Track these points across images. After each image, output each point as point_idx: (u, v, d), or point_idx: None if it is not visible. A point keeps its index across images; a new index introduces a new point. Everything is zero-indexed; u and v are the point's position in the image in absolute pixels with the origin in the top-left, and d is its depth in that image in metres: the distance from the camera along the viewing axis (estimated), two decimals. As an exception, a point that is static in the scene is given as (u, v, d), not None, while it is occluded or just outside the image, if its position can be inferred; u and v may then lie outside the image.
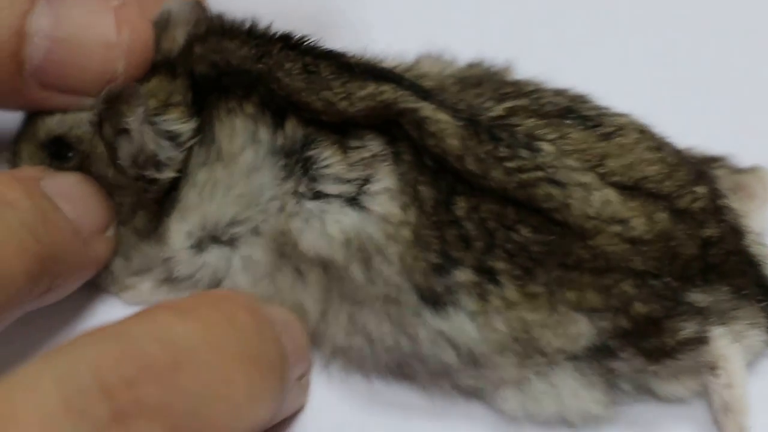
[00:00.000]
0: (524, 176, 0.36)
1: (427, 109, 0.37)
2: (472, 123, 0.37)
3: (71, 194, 0.39)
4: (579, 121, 0.39)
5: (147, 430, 0.29)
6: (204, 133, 0.39)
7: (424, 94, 0.38)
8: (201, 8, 0.41)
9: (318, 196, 0.38)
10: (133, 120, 0.38)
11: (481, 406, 0.38)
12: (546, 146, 0.37)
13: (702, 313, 0.36)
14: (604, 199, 0.36)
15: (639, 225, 0.36)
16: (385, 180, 0.37)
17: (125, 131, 0.38)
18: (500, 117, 0.38)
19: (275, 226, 0.38)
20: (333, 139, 0.38)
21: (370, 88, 0.37)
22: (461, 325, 0.36)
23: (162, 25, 0.40)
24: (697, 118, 0.45)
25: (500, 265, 0.36)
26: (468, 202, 0.37)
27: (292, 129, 0.38)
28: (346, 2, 0.51)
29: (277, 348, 0.35)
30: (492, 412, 0.38)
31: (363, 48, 0.41)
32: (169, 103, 0.39)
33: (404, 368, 0.38)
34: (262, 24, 0.40)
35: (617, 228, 0.36)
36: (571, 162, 0.37)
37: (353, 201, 0.37)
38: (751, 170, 0.42)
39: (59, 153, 0.40)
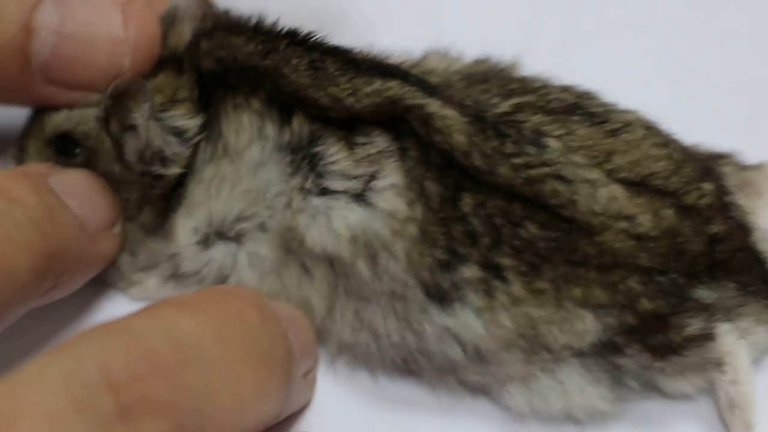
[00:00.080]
0: (531, 172, 0.36)
1: (433, 105, 0.37)
2: (478, 119, 0.37)
3: (78, 191, 0.38)
4: (585, 118, 0.38)
5: (153, 425, 0.29)
6: (210, 128, 0.39)
7: (431, 90, 0.38)
8: (208, 4, 0.42)
9: (324, 192, 0.38)
10: (140, 116, 0.38)
11: (487, 402, 0.38)
12: (552, 142, 0.37)
13: (708, 310, 0.36)
14: (610, 196, 0.36)
15: (645, 221, 0.36)
16: (391, 176, 0.37)
17: (132, 127, 0.38)
18: (507, 113, 0.38)
19: (282, 222, 0.38)
20: (339, 135, 0.38)
21: (377, 84, 0.37)
22: (467, 321, 0.36)
23: (169, 21, 0.40)
24: (703, 114, 0.45)
25: (507, 261, 0.36)
26: (474, 198, 0.36)
27: (299, 125, 0.38)
28: (352, -2, 0.51)
29: (283, 344, 0.35)
30: (498, 409, 0.38)
31: (369, 44, 0.41)
32: (175, 98, 0.39)
33: (410, 364, 0.38)
34: (269, 20, 0.40)
35: (624, 224, 0.36)
36: (577, 158, 0.37)
37: (360, 197, 0.37)
38: (758, 167, 0.41)
39: (66, 149, 0.40)
